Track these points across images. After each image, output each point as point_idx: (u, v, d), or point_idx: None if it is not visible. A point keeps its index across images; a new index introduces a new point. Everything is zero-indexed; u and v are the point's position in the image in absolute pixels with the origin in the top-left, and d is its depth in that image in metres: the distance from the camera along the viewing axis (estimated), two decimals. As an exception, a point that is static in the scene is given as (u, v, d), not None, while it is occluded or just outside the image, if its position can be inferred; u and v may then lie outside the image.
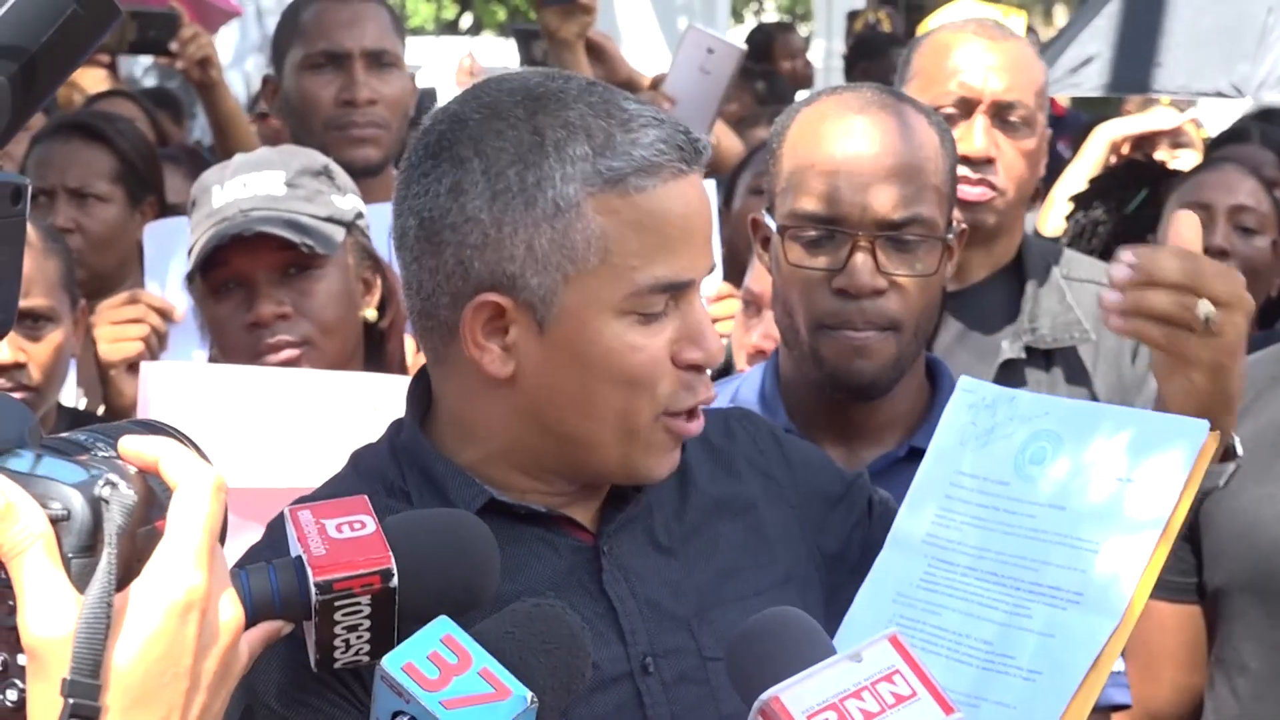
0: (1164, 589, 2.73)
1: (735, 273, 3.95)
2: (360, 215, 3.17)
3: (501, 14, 23.93)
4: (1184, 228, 2.27)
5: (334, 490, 1.96)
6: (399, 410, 2.06)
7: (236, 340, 3.06)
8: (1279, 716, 2.69)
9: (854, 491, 2.22)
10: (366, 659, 1.63)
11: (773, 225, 2.72)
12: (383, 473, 2.00)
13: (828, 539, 2.17)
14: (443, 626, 1.61)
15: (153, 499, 1.44)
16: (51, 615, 1.37)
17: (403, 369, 3.17)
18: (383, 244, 3.30)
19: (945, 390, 2.65)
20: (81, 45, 1.45)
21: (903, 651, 1.74)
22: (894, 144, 2.64)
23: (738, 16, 22.66)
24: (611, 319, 1.91)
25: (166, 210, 4.57)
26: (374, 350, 3.19)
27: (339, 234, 3.08)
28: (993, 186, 3.43)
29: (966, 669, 2.01)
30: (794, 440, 2.26)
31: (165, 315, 3.44)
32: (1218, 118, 8.26)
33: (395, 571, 1.60)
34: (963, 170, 3.39)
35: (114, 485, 1.40)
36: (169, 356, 3.41)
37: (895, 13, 12.43)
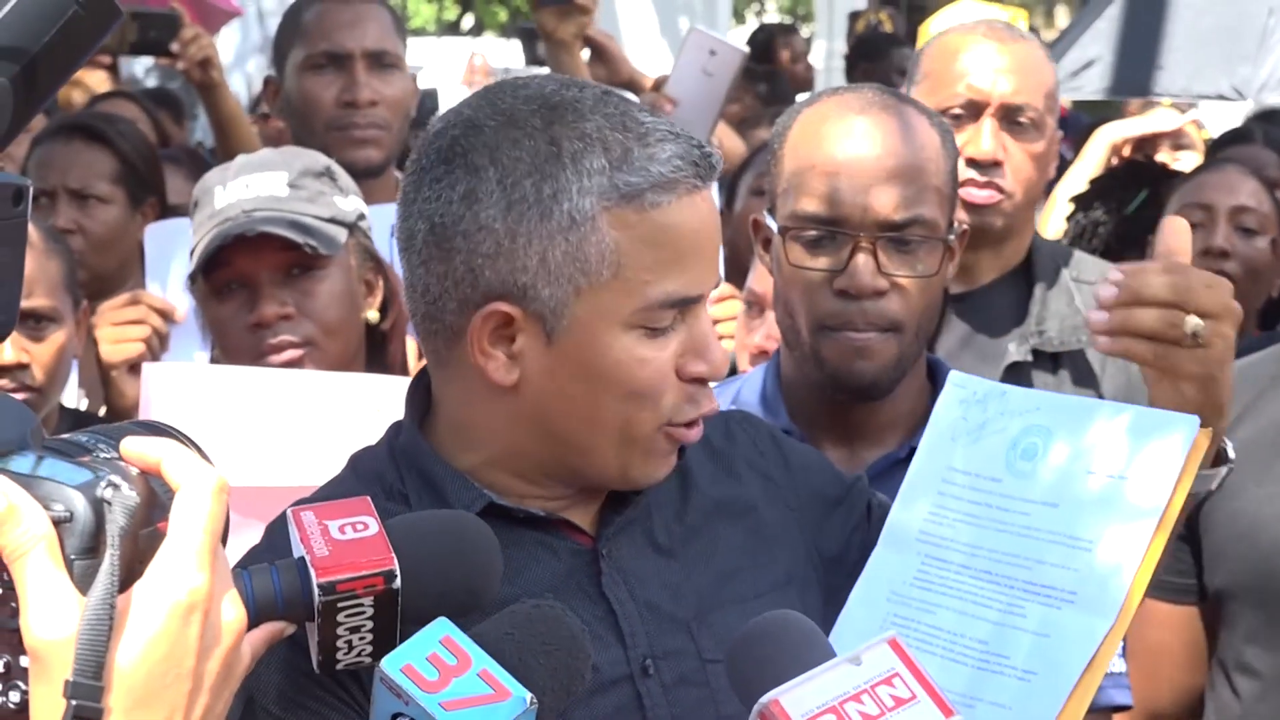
0: (1163, 590, 2.74)
1: (737, 274, 3.95)
2: (362, 216, 3.17)
3: (503, 15, 23.95)
4: (1173, 236, 2.27)
5: (333, 492, 1.97)
6: (400, 412, 2.06)
7: (239, 341, 3.06)
8: (1283, 718, 2.70)
9: (853, 494, 2.22)
10: (369, 660, 1.63)
11: (774, 226, 2.72)
12: (381, 475, 2.00)
13: (827, 541, 2.17)
14: (442, 628, 1.61)
15: (155, 500, 1.44)
16: (54, 617, 1.37)
17: (404, 370, 3.17)
18: (383, 244, 3.30)
19: (946, 391, 2.65)
20: (83, 46, 1.45)
21: (902, 654, 1.74)
22: (895, 145, 2.64)
23: (739, 17, 22.67)
24: (620, 332, 1.91)
25: (167, 211, 4.57)
26: (375, 351, 3.19)
27: (341, 235, 3.09)
28: (1000, 189, 3.43)
29: (962, 669, 2.01)
30: (794, 443, 2.26)
31: (166, 316, 3.44)
32: (1219, 119, 8.27)
33: (398, 573, 1.60)
34: (970, 173, 3.39)
35: (116, 487, 1.40)
36: (170, 357, 3.41)
37: (897, 13, 12.43)
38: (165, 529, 1.43)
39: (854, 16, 12.01)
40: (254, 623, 1.53)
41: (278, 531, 1.91)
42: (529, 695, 1.60)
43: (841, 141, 2.65)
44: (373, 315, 3.17)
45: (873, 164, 2.63)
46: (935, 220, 2.65)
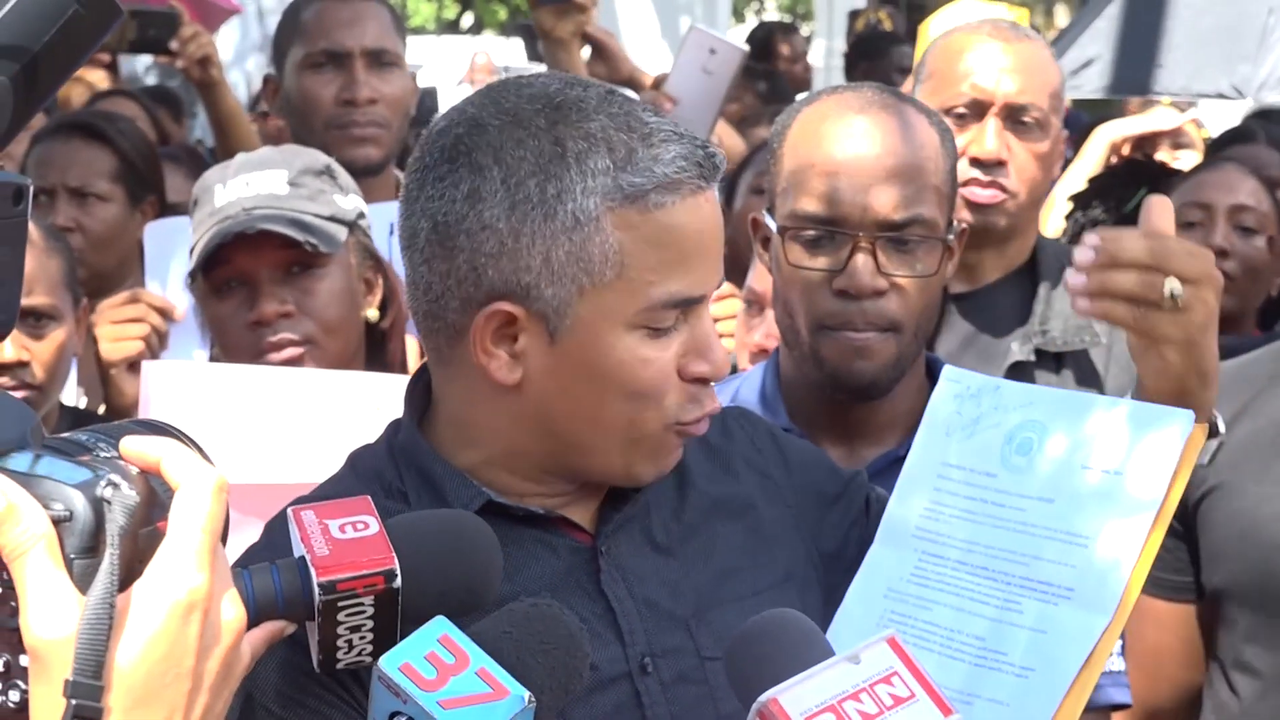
0: (1160, 587, 2.74)
1: (736, 272, 3.95)
2: (362, 215, 3.17)
3: (502, 13, 23.95)
4: (1156, 213, 2.28)
5: (332, 491, 1.97)
6: (400, 410, 2.06)
7: (239, 339, 3.06)
8: (1284, 717, 2.70)
9: (851, 490, 2.22)
10: (369, 660, 1.63)
11: (773, 226, 2.72)
12: (380, 473, 2.00)
13: (826, 538, 2.17)
14: (440, 627, 1.62)
15: (155, 499, 1.44)
16: (54, 616, 1.37)
17: (404, 369, 3.17)
18: (382, 243, 3.30)
19: (945, 390, 2.65)
20: (83, 45, 1.45)
21: (901, 653, 1.74)
22: (895, 144, 2.64)
23: (739, 16, 22.67)
24: (623, 332, 1.91)
25: (167, 209, 4.57)
26: (375, 350, 3.19)
27: (341, 233, 3.09)
28: (1004, 189, 3.43)
29: (959, 665, 2.01)
30: (792, 439, 2.26)
31: (166, 314, 3.44)
32: (1218, 118, 8.27)
33: (399, 572, 1.61)
34: (974, 172, 3.40)
35: (116, 486, 1.41)
36: (169, 356, 3.41)
37: (896, 12, 12.42)
38: (165, 528, 1.43)
39: (854, 15, 12.00)
40: (254, 622, 1.53)
41: (277, 530, 1.91)
42: (527, 694, 1.60)
43: (841, 141, 2.65)
44: (372, 314, 3.17)
45: (872, 163, 2.63)
46: (934, 220, 2.65)
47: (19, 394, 3.17)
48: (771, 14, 26.33)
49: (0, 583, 1.40)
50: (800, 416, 2.74)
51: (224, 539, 1.47)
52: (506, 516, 1.95)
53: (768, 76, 8.40)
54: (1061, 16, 22.57)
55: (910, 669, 1.73)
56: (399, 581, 1.61)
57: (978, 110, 3.45)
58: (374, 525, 1.63)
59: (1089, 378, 3.40)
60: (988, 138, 3.42)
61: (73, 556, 1.39)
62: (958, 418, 2.14)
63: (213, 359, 3.23)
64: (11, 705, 1.40)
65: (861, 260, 2.62)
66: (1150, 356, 2.26)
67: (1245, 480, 2.67)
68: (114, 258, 4.48)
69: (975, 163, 3.41)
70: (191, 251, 3.10)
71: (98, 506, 1.40)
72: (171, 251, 3.82)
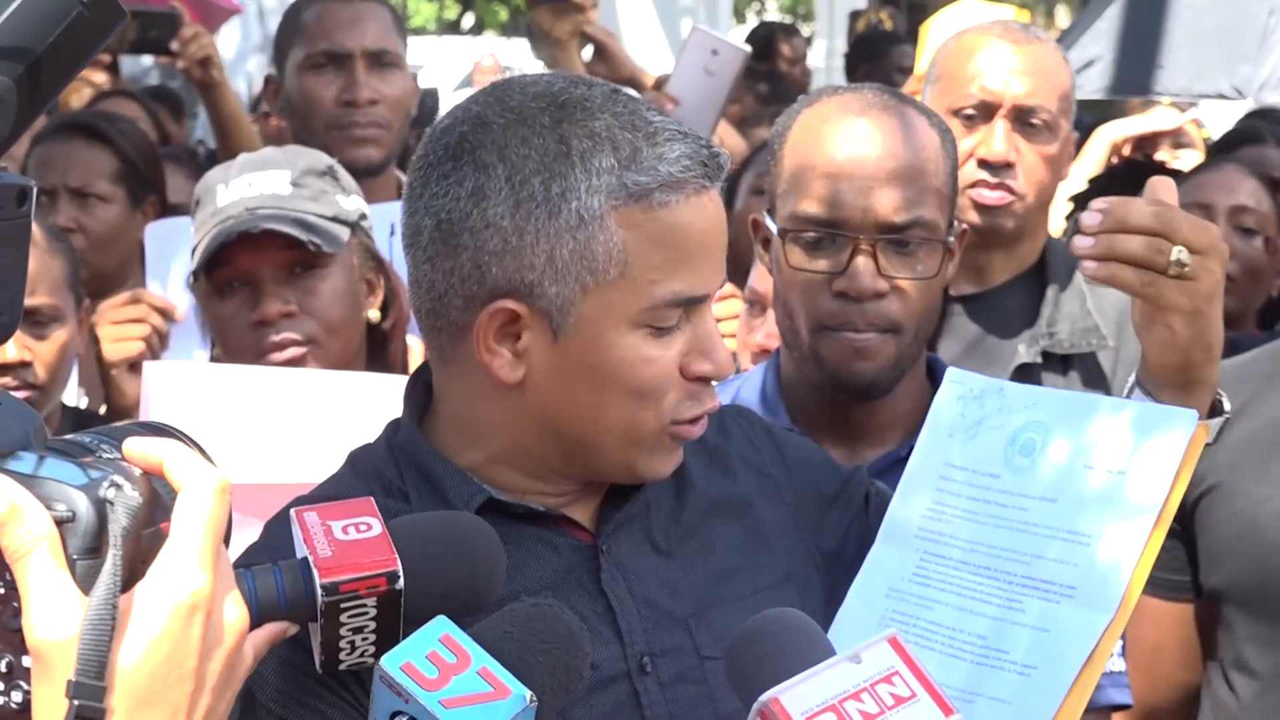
0: (1158, 587, 2.74)
1: (737, 273, 3.95)
2: (364, 216, 3.17)
3: (503, 14, 23.95)
4: (1160, 189, 2.30)
5: (331, 490, 1.97)
6: (401, 410, 2.06)
7: (241, 339, 3.06)
8: (1283, 717, 2.70)
9: (851, 487, 2.22)
10: (371, 661, 1.63)
11: (773, 227, 2.72)
12: (380, 472, 2.01)
13: (826, 537, 2.17)
14: (441, 626, 1.62)
15: (157, 501, 1.44)
16: (56, 617, 1.37)
17: (405, 370, 3.17)
18: (383, 244, 3.31)
19: (946, 391, 2.65)
20: (87, 47, 1.45)
21: (902, 653, 1.74)
22: (895, 146, 2.64)
23: (740, 16, 22.66)
24: (626, 331, 1.91)
25: (168, 210, 4.57)
26: (376, 351, 3.19)
27: (344, 234, 3.09)
28: (1011, 191, 3.43)
29: (960, 664, 2.01)
30: (790, 437, 2.26)
31: (166, 315, 3.44)
32: (1219, 118, 8.27)
33: (401, 573, 1.61)
34: (981, 174, 3.40)
35: (119, 487, 1.41)
36: (170, 356, 3.42)
37: (897, 12, 12.42)
38: (168, 530, 1.43)
39: (854, 15, 12.00)
40: (256, 623, 1.53)
41: (276, 530, 1.92)
42: (529, 693, 1.60)
43: (841, 143, 2.65)
44: (374, 315, 3.17)
45: (873, 166, 2.63)
46: (935, 221, 2.65)
47: (21, 394, 3.17)
48: (772, 14, 26.32)
49: (3, 583, 1.40)
50: (801, 417, 2.74)
51: (227, 540, 1.47)
52: (507, 515, 1.95)
53: (769, 77, 8.40)
54: (1063, 17, 22.57)
55: (911, 669, 1.73)
56: (402, 583, 1.61)
57: (986, 112, 3.45)
58: (377, 526, 1.63)
59: (1096, 380, 3.40)
60: (996, 139, 3.42)
61: (75, 557, 1.39)
62: (961, 419, 2.15)
63: (213, 359, 3.23)
64: (14, 706, 1.40)
65: (862, 262, 2.62)
66: (1156, 328, 2.27)
67: (1244, 480, 2.67)
68: (115, 258, 4.48)
69: (983, 164, 3.42)
70: (193, 252, 3.10)
71: (100, 508, 1.40)
72: (172, 252, 3.83)
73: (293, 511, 1.67)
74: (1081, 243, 2.25)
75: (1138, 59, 5.68)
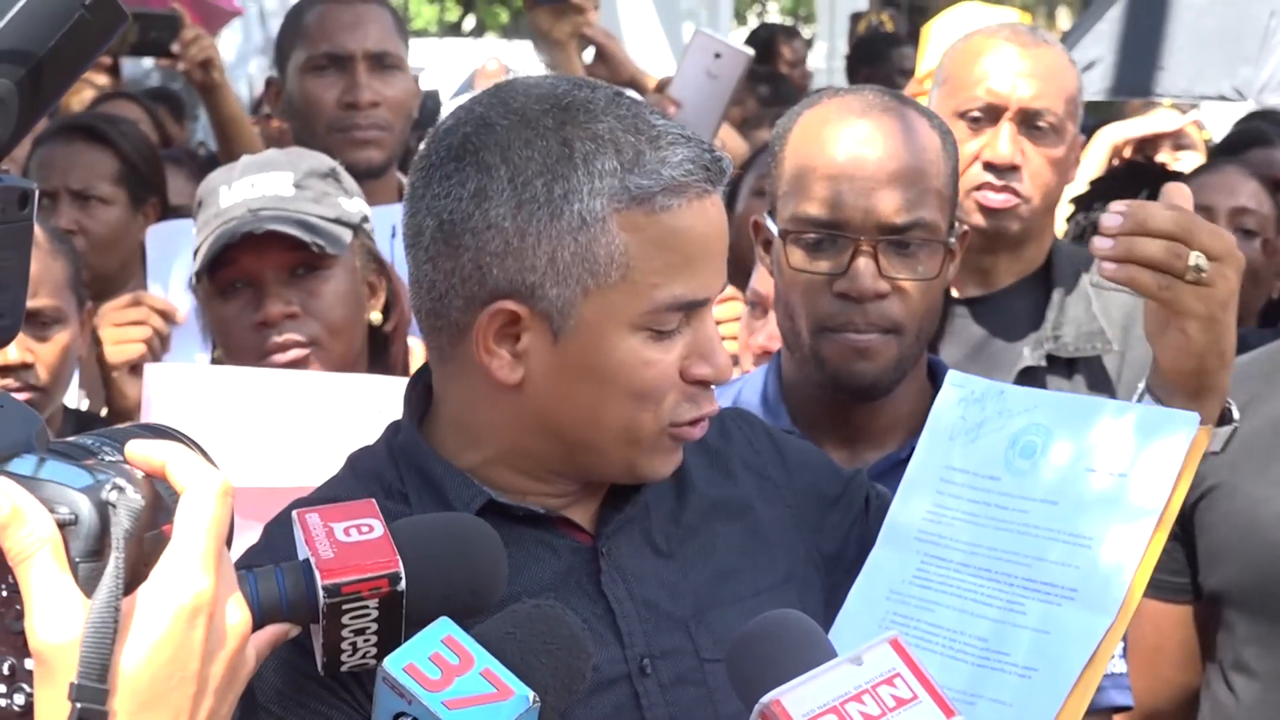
0: (1157, 588, 2.74)
1: (738, 274, 3.95)
2: (366, 219, 3.17)
3: (504, 16, 23.95)
4: (1176, 195, 2.30)
5: (331, 492, 1.97)
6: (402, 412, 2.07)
7: (243, 340, 3.06)
8: (1284, 718, 2.70)
9: (851, 490, 2.23)
10: (373, 662, 1.63)
11: (774, 229, 2.72)
12: (380, 474, 2.01)
13: (826, 539, 2.17)
14: (444, 628, 1.62)
15: (160, 503, 1.44)
16: (59, 620, 1.37)
17: (406, 372, 3.17)
18: (384, 246, 3.31)
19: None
20: (88, 49, 1.45)
21: (903, 654, 1.74)
22: (896, 148, 2.64)
23: (741, 18, 22.66)
24: (627, 334, 1.92)
25: (169, 212, 4.57)
26: (377, 353, 3.19)
27: (347, 235, 3.09)
28: (1017, 193, 3.44)
29: (962, 666, 2.01)
30: (791, 440, 2.26)
31: (167, 317, 3.44)
32: (1219, 120, 8.27)
33: (403, 575, 1.61)
34: (987, 177, 3.41)
35: (121, 490, 1.40)
36: (171, 358, 3.42)
37: (898, 14, 12.43)
38: (170, 532, 1.43)
39: (855, 17, 12.00)
40: (258, 625, 1.53)
41: (276, 532, 1.92)
42: (531, 694, 1.60)
43: (842, 144, 2.65)
44: (376, 317, 3.17)
45: (874, 167, 2.63)
46: (936, 223, 2.65)
47: (22, 396, 3.17)
48: (773, 16, 26.32)
49: (5, 586, 1.40)
50: (802, 419, 2.74)
51: (229, 542, 1.47)
52: (507, 516, 1.95)
53: (770, 79, 8.40)
54: (1064, 19, 22.57)
55: (913, 670, 1.73)
56: (403, 584, 1.61)
57: (992, 114, 3.45)
58: (378, 528, 1.64)
59: (1101, 384, 3.40)
60: (1001, 142, 3.43)
61: (78, 560, 1.39)
62: (961, 422, 2.15)
63: (214, 362, 3.23)
64: (16, 709, 1.40)
65: (863, 263, 2.62)
66: (1171, 333, 2.27)
67: (1243, 481, 2.67)
68: (116, 260, 4.49)
69: (989, 167, 3.42)
70: (195, 253, 3.10)
71: (103, 510, 1.40)
72: (174, 254, 3.83)
73: (294, 513, 1.67)
74: (1101, 244, 2.25)
75: (1139, 60, 5.68)
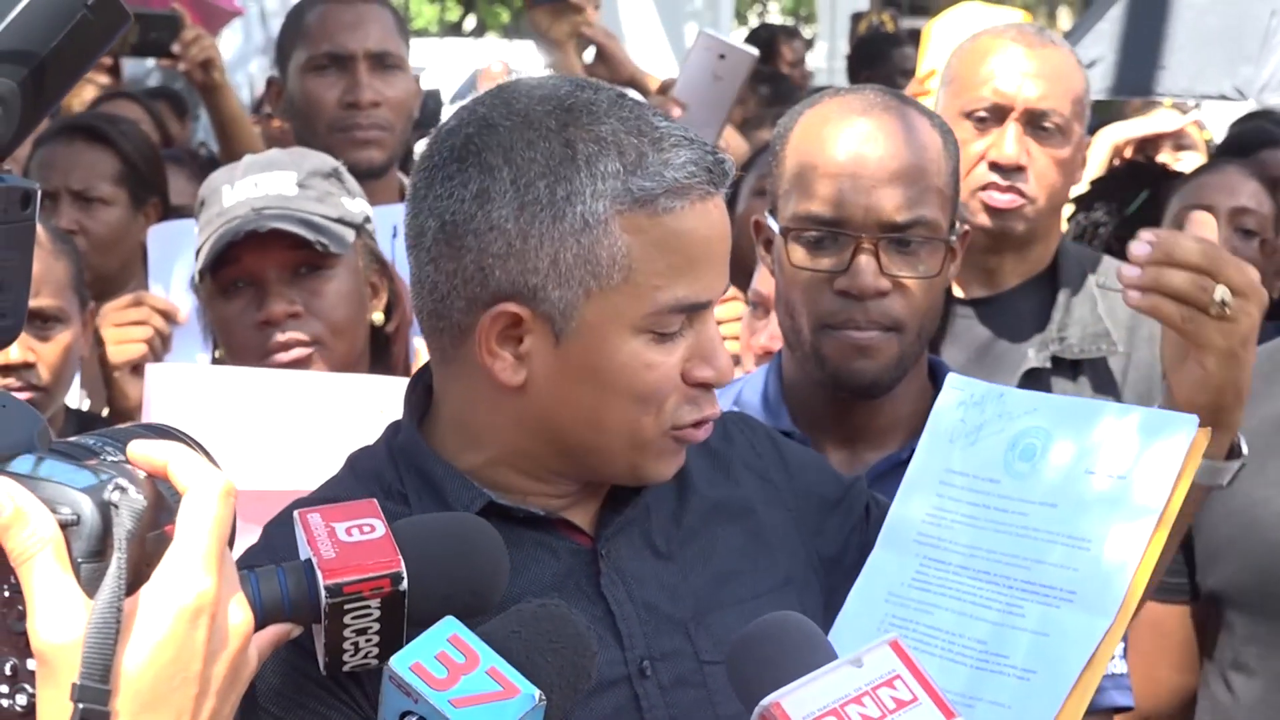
0: (1156, 589, 2.74)
1: (738, 274, 3.95)
2: (368, 219, 3.18)
3: (505, 16, 23.95)
4: (1201, 225, 2.30)
5: (331, 493, 1.97)
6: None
7: (246, 339, 3.06)
8: (1284, 718, 2.70)
9: (852, 495, 2.23)
10: (375, 662, 1.63)
11: (775, 227, 2.72)
12: (380, 474, 2.01)
13: (826, 543, 2.17)
14: (449, 626, 1.62)
15: (162, 504, 1.44)
16: (61, 620, 1.37)
17: (407, 373, 3.17)
18: (385, 246, 3.31)
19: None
20: (91, 50, 1.45)
21: (903, 656, 1.74)
22: (898, 146, 2.65)
23: (741, 18, 22.66)
24: (629, 336, 1.91)
25: (170, 212, 4.57)
26: (379, 353, 3.19)
27: (349, 235, 3.09)
28: (1022, 194, 3.44)
29: (960, 668, 2.01)
30: (791, 444, 2.26)
31: (169, 317, 3.44)
32: (1219, 120, 8.27)
33: (405, 575, 1.61)
34: (992, 177, 3.41)
35: (123, 490, 1.40)
36: (172, 359, 3.42)
37: (899, 14, 12.43)
38: (172, 532, 1.43)
39: (856, 18, 12.01)
40: (260, 625, 1.53)
41: (276, 532, 1.92)
42: (538, 692, 1.60)
43: (844, 143, 2.65)
44: (378, 317, 3.17)
45: (875, 165, 2.63)
46: (937, 221, 2.65)
47: (24, 395, 3.17)
48: (774, 16, 26.32)
49: (7, 586, 1.40)
50: (803, 419, 2.74)
51: (231, 543, 1.47)
52: (507, 518, 1.95)
53: (771, 79, 8.40)
54: (1065, 18, 22.57)
55: (913, 672, 1.73)
56: (405, 584, 1.61)
57: (998, 114, 3.45)
58: (380, 528, 1.64)
59: (1106, 385, 3.40)
60: (1007, 142, 3.43)
61: (80, 561, 1.39)
62: (961, 424, 2.15)
63: (216, 361, 3.23)
64: (19, 709, 1.40)
65: (864, 261, 2.62)
66: (1189, 366, 2.25)
67: (1242, 480, 2.67)
68: (117, 260, 4.49)
69: (994, 167, 3.42)
70: (197, 252, 3.10)
71: (105, 510, 1.40)
72: (175, 254, 3.83)
73: (296, 513, 1.67)
74: (1128, 272, 2.24)
75: (1140, 60, 5.68)
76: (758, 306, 3.43)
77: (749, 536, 2.10)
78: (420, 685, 1.58)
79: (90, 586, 1.38)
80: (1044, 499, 2.05)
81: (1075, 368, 3.45)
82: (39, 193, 1.46)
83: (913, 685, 1.72)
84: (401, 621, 1.62)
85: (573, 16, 4.78)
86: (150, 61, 8.69)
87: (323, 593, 1.59)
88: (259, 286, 3.05)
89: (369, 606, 1.61)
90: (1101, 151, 5.55)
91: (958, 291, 3.55)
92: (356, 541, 1.62)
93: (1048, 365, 3.44)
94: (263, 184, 3.08)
